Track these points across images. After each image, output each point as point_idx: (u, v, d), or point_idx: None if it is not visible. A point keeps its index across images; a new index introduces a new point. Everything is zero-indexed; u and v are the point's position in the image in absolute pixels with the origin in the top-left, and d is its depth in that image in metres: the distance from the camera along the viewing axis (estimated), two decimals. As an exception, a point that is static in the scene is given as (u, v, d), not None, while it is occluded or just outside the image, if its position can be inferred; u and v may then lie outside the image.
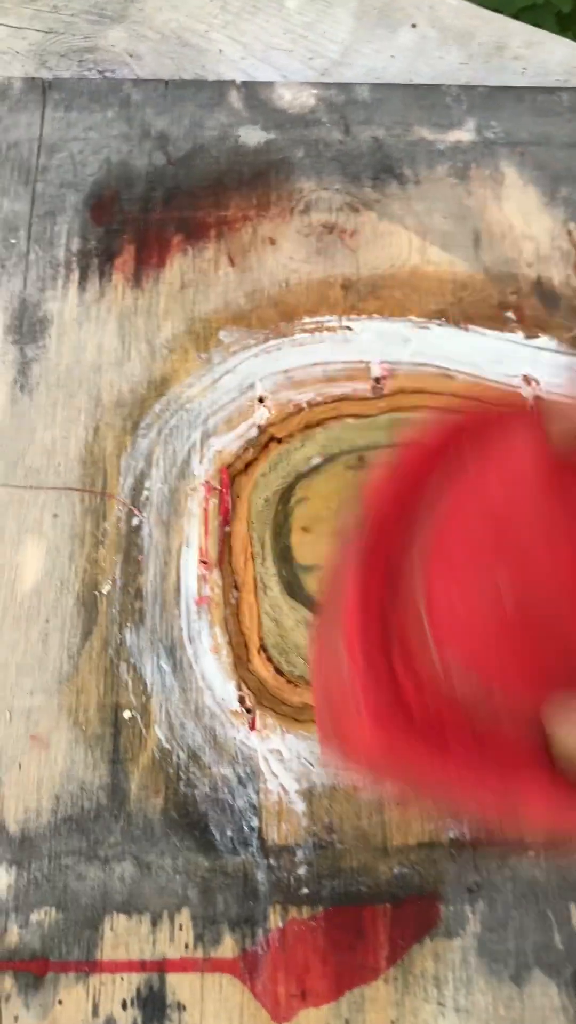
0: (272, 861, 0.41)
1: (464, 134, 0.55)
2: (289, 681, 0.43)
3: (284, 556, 0.45)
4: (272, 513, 0.46)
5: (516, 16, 1.16)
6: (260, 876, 0.40)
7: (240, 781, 0.42)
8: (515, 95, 0.56)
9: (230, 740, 0.42)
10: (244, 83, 0.56)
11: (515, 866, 0.41)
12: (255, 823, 0.41)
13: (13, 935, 0.39)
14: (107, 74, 0.58)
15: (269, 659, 0.44)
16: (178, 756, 0.42)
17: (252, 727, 0.43)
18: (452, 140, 0.55)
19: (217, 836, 0.41)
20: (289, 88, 0.56)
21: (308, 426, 0.48)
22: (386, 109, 0.56)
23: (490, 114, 0.56)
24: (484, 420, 0.29)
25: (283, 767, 0.42)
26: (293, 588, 0.44)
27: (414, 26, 0.60)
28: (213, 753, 0.42)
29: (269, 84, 0.56)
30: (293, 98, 0.55)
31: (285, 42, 0.59)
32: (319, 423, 0.48)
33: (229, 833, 0.41)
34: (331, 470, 0.46)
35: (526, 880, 0.41)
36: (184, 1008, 0.39)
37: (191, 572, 0.45)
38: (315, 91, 0.56)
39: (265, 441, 0.48)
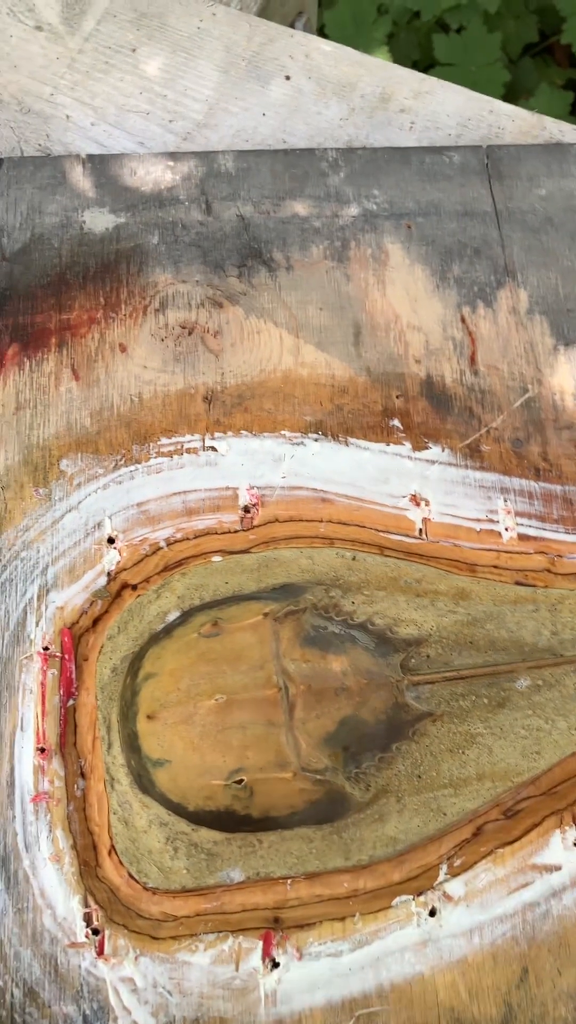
0: None
1: (342, 207, 0.48)
2: (146, 888, 0.37)
3: (131, 744, 0.38)
4: (120, 687, 0.39)
5: (440, 18, 1.08)
6: None
7: (86, 1021, 0.36)
8: (400, 157, 0.50)
9: (74, 969, 0.36)
10: (90, 157, 0.49)
11: None
12: (104, 1071, 0.35)
13: None
14: None
15: (121, 863, 0.38)
16: (12, 994, 0.36)
17: (100, 952, 0.36)
18: (328, 214, 0.48)
19: None
20: (142, 161, 0.49)
21: (167, 568, 0.42)
22: (253, 181, 0.49)
23: (372, 181, 0.49)
24: None
25: (136, 999, 0.36)
26: (143, 781, 0.38)
27: (288, 78, 0.53)
28: (54, 988, 0.36)
29: (118, 157, 0.49)
30: (146, 173, 0.48)
31: (142, 103, 0.52)
32: (180, 564, 0.42)
33: None
34: (183, 636, 0.40)
35: None
36: None
37: (26, 762, 0.38)
38: (171, 163, 0.49)
39: (117, 590, 0.41)
